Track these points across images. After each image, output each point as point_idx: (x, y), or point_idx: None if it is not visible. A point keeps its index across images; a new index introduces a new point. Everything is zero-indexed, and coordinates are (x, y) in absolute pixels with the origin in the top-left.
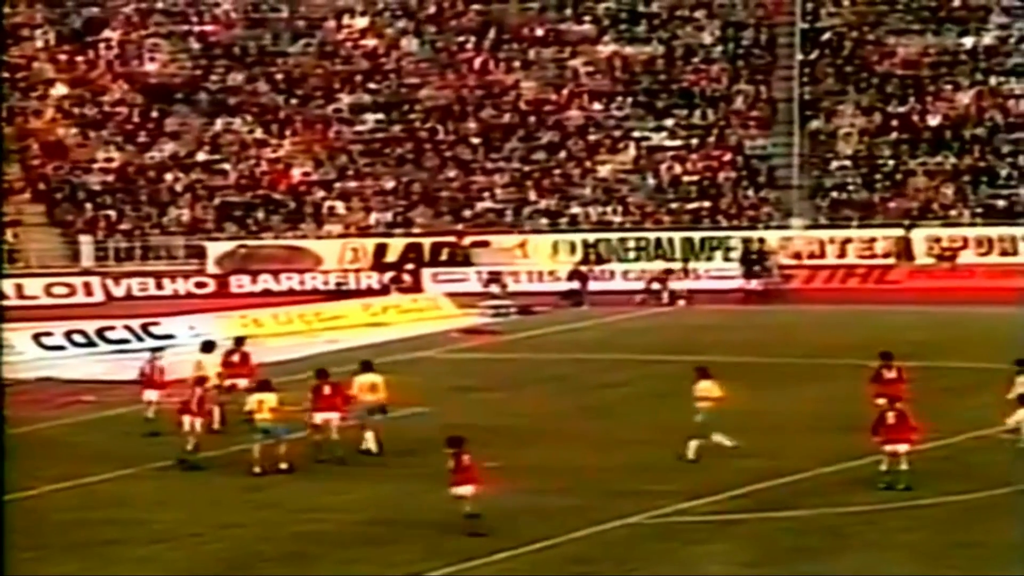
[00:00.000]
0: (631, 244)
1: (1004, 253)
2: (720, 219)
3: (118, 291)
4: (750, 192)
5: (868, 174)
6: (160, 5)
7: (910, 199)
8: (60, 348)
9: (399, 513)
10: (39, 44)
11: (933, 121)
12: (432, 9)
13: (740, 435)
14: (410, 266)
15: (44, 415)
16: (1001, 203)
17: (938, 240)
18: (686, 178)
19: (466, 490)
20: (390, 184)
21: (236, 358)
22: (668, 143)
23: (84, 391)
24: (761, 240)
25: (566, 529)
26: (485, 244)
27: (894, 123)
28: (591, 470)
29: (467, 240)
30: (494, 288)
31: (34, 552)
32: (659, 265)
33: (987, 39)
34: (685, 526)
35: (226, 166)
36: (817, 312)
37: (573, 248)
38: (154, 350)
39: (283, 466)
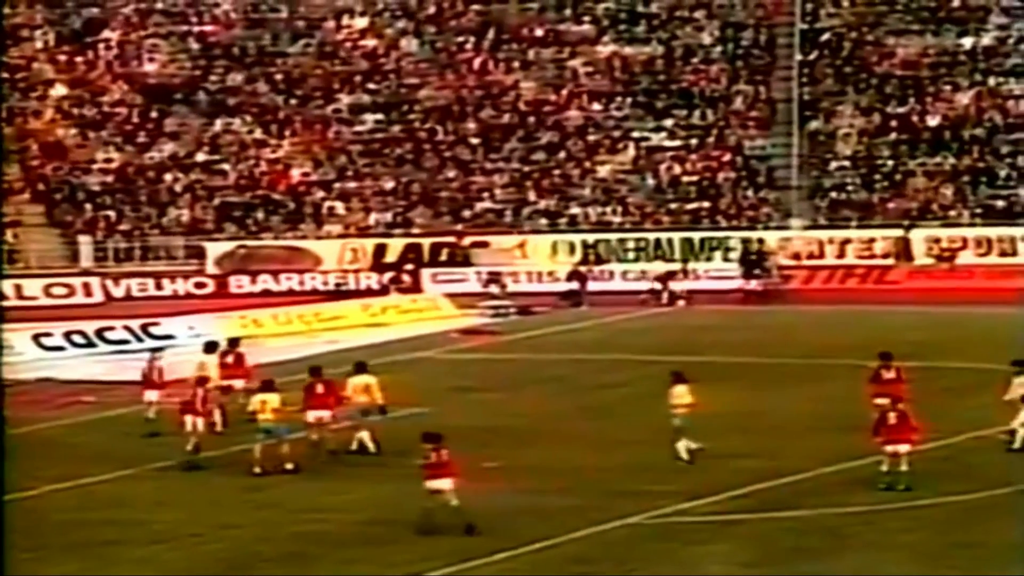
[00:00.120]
0: (630, 244)
1: (1003, 254)
2: (719, 219)
3: (118, 291)
4: (749, 192)
5: (867, 174)
6: (160, 5)
7: (909, 199)
8: (60, 348)
9: (399, 513)
10: (39, 44)
11: (932, 122)
12: (432, 9)
13: (740, 435)
14: (409, 266)
15: (44, 415)
16: (1000, 204)
17: (937, 240)
18: (685, 178)
19: (444, 483)
20: (390, 184)
21: (231, 359)
22: (667, 143)
23: (84, 391)
24: (760, 240)
25: (566, 529)
26: (484, 244)
27: (893, 123)
28: (591, 470)
29: (466, 240)
30: (493, 288)
31: (34, 552)
32: (660, 266)
33: (986, 40)
34: (685, 526)
35: (226, 166)
36: (816, 312)
37: (572, 248)
38: (154, 350)
39: (288, 466)
